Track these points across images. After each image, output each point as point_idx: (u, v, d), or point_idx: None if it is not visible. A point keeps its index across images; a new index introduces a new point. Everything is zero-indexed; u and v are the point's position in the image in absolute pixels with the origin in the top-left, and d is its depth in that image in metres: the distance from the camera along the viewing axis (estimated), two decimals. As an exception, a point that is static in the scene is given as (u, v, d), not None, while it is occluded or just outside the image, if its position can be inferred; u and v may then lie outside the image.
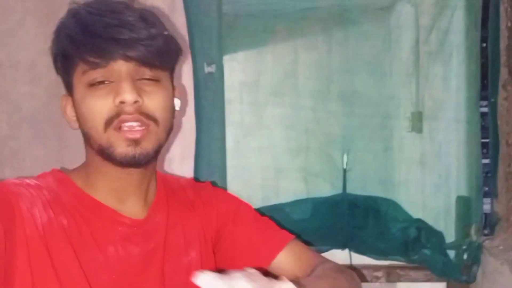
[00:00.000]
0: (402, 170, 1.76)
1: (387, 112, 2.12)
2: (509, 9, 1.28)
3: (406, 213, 1.30)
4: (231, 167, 1.42)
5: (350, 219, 1.25)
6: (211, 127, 1.34)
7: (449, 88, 1.44)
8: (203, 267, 0.68)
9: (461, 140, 1.37)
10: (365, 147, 1.58)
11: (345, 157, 1.41)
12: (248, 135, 2.35)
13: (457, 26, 1.34)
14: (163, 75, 0.66)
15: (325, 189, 1.31)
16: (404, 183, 1.44)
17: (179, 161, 1.41)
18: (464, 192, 1.34)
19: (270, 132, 2.46)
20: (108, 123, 0.62)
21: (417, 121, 1.80)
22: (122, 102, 0.62)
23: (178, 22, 1.37)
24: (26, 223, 0.60)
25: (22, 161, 1.45)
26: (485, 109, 1.32)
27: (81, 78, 0.63)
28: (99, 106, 0.62)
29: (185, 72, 1.39)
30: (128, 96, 0.61)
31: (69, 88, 0.67)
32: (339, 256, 1.27)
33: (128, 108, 0.62)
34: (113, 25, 0.60)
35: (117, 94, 0.61)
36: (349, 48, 2.54)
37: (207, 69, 1.33)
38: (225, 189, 1.30)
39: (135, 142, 0.62)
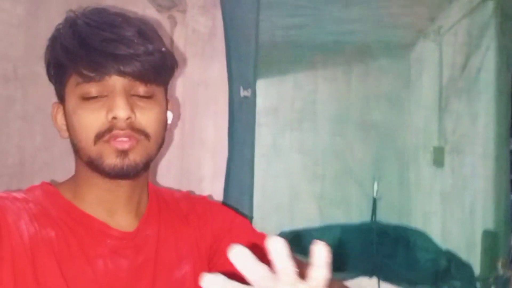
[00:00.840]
0: (426, 202, 1.77)
1: (407, 145, 2.16)
2: (539, 52, 1.33)
3: (435, 244, 1.31)
4: (258, 189, 1.44)
5: (379, 247, 1.26)
6: (242, 149, 1.37)
7: (477, 124, 1.48)
8: (197, 281, 0.66)
9: (489, 175, 1.39)
10: (393, 178, 1.61)
11: (375, 185, 1.43)
12: (276, 159, 2.38)
13: (489, 65, 1.38)
14: (158, 90, 0.66)
15: (355, 216, 1.32)
16: (430, 215, 1.45)
17: (210, 180, 1.43)
18: (491, 226, 1.35)
19: (300, 156, 2.50)
20: (99, 136, 0.62)
21: (439, 156, 1.83)
22: (114, 118, 0.61)
23: (218, 46, 1.42)
24: (12, 236, 0.59)
25: (53, 174, 1.47)
26: (515, 147, 1.35)
27: (74, 90, 0.62)
28: (91, 119, 0.62)
29: (222, 95, 1.43)
30: (122, 112, 0.61)
31: (60, 97, 0.66)
32: (366, 283, 1.27)
33: (121, 123, 0.61)
34: (110, 40, 0.60)
35: (110, 110, 0.61)
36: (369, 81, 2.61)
37: (243, 93, 1.37)
38: (251, 210, 1.32)
39: (124, 153, 0.62)
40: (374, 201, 1.31)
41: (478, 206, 1.39)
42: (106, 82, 0.61)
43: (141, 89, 0.63)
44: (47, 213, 0.63)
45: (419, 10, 2.25)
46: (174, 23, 1.38)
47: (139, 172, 0.65)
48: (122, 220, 0.67)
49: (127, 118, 0.61)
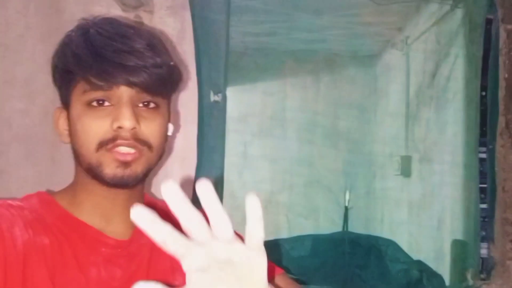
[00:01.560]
0: (395, 212, 1.77)
1: (376, 154, 2.17)
2: (507, 62, 1.35)
3: (406, 255, 1.29)
4: (227, 199, 1.40)
5: (351, 258, 1.23)
6: (212, 156, 1.31)
7: (446, 132, 1.48)
8: None
9: (458, 184, 1.39)
10: (362, 187, 1.60)
11: (347, 194, 1.41)
12: (246, 167, 2.34)
13: (457, 73, 1.39)
14: (162, 102, 0.67)
15: (323, 226, 1.29)
16: (399, 225, 1.44)
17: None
18: (460, 236, 1.35)
19: (269, 165, 2.47)
20: (102, 144, 0.62)
21: (406, 165, 1.83)
22: (120, 127, 0.62)
23: (187, 49, 1.37)
24: (5, 243, 0.58)
25: (8, 182, 1.37)
26: (484, 155, 1.36)
27: (80, 96, 0.63)
28: (96, 127, 0.62)
29: (187, 99, 1.37)
30: (127, 122, 0.61)
31: (65, 102, 0.66)
32: (338, 295, 1.24)
33: (125, 133, 0.62)
34: (121, 51, 0.61)
35: (116, 119, 0.62)
36: (337, 90, 2.62)
37: (214, 98, 1.31)
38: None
39: (125, 164, 0.63)
40: (346, 210, 1.29)
41: (447, 215, 1.39)
42: (113, 92, 0.62)
43: (147, 100, 0.64)
44: (42, 220, 0.63)
45: (387, 20, 2.28)
46: (140, 24, 1.32)
47: (138, 182, 0.65)
48: (118, 228, 0.67)
49: (132, 128, 0.62)
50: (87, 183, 0.65)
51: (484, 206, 1.34)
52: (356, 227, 1.58)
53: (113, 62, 0.60)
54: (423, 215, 1.46)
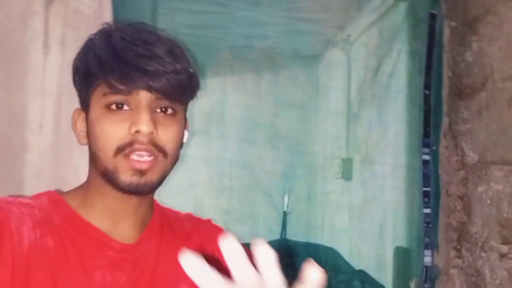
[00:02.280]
0: (335, 218, 1.69)
1: (316, 156, 2.08)
2: (451, 60, 1.30)
3: (347, 264, 1.19)
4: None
5: (289, 268, 1.11)
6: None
7: (388, 133, 1.41)
8: None
9: (401, 187, 1.32)
10: (302, 191, 1.49)
11: (286, 198, 1.30)
12: (180, 169, 2.16)
13: (400, 70, 1.32)
14: (180, 109, 0.68)
15: (263, 232, 1.17)
16: (340, 231, 1.35)
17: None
18: (403, 243, 1.27)
19: (206, 167, 2.32)
20: (120, 149, 0.63)
21: (347, 167, 1.76)
22: (137, 132, 0.63)
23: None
24: (14, 241, 0.61)
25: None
26: (427, 157, 1.29)
27: (100, 99, 0.65)
28: (114, 131, 0.64)
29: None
30: (145, 127, 0.63)
31: (84, 104, 0.68)
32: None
33: (142, 138, 0.63)
34: (143, 56, 0.63)
35: (134, 123, 0.63)
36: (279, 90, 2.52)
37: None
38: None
39: (141, 172, 0.64)
40: (284, 216, 1.18)
41: (389, 221, 1.31)
42: (133, 96, 0.64)
43: (165, 106, 0.66)
44: (50, 220, 0.65)
45: (328, 17, 2.22)
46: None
47: (153, 190, 0.67)
48: (125, 231, 0.69)
49: (149, 133, 0.63)
50: (100, 186, 0.67)
51: (427, 211, 1.27)
52: (296, 233, 1.48)
53: (134, 66, 0.63)
54: (365, 221, 1.37)
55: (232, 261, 0.41)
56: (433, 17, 1.31)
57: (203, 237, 0.76)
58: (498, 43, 1.17)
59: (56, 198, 0.68)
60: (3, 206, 0.63)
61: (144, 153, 0.63)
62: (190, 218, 0.79)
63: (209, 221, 0.81)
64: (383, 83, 1.39)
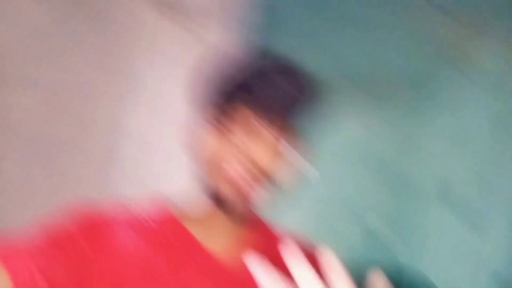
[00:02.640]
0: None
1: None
2: None
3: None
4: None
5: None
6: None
7: None
8: None
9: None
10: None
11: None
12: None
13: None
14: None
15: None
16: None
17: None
18: (505, 269, 1.15)
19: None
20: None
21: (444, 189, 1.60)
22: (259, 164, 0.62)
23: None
24: (112, 253, 0.58)
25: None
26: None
27: (240, 118, 0.63)
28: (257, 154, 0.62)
29: None
30: (268, 163, 0.62)
31: (217, 120, 0.66)
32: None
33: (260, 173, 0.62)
34: (293, 89, 0.61)
35: (258, 156, 0.62)
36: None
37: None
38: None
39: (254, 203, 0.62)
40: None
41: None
42: (255, 123, 0.63)
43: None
44: (157, 231, 0.63)
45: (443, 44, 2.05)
46: None
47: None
48: (232, 253, 0.65)
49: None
50: (213, 209, 0.64)
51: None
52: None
53: (285, 104, 0.61)
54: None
55: (296, 270, 0.42)
56: None
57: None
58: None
59: (172, 217, 0.65)
60: (106, 221, 0.61)
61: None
62: (281, 234, 0.73)
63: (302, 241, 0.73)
64: None
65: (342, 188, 1.74)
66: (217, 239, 0.64)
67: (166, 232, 0.63)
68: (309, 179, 0.68)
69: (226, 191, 0.60)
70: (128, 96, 1.17)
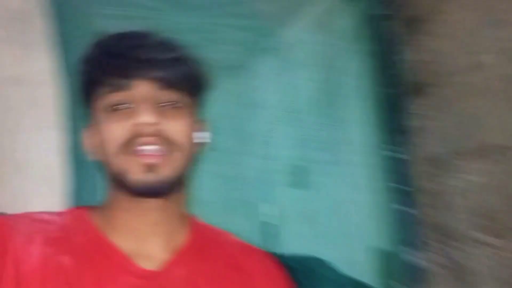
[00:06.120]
0: (305, 224, 1.62)
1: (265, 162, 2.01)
2: (401, 57, 1.31)
3: (337, 272, 1.13)
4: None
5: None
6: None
7: (349, 132, 1.40)
8: None
9: (369, 185, 1.30)
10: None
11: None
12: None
13: (354, 70, 1.33)
14: (186, 102, 0.65)
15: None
16: (315, 237, 1.30)
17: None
18: (380, 244, 1.25)
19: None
20: (125, 146, 0.60)
21: (304, 174, 1.71)
22: (140, 124, 0.60)
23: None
24: (19, 259, 0.57)
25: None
26: (394, 154, 1.29)
27: (101, 103, 0.62)
28: (116, 129, 0.60)
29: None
30: (147, 117, 0.60)
31: (90, 117, 0.66)
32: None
33: (147, 130, 0.60)
34: (136, 46, 0.61)
35: (136, 116, 0.60)
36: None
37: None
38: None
39: (152, 167, 0.60)
40: (269, 227, 1.09)
41: (364, 223, 1.28)
42: (133, 92, 0.61)
43: (171, 100, 0.63)
44: (70, 238, 0.62)
45: (259, 24, 2.18)
46: None
47: (168, 191, 0.62)
48: (153, 253, 0.63)
49: (153, 124, 0.60)
50: (117, 199, 0.63)
51: (402, 208, 1.26)
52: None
53: (129, 57, 0.60)
54: (338, 225, 1.33)
55: None
56: (383, 17, 1.33)
57: (267, 276, 0.69)
58: (449, 40, 1.20)
59: (81, 215, 0.65)
60: (9, 223, 0.60)
61: (152, 147, 0.59)
62: (247, 247, 0.72)
63: (271, 256, 0.74)
64: (339, 83, 1.38)
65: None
66: (135, 236, 0.63)
67: (79, 237, 0.62)
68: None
69: (128, 167, 0.59)
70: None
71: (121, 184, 0.62)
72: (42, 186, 1.05)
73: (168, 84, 0.62)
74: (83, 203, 0.93)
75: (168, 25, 2.05)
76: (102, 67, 0.61)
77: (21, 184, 1.04)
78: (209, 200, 1.15)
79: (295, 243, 1.46)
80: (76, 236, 0.62)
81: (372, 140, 1.32)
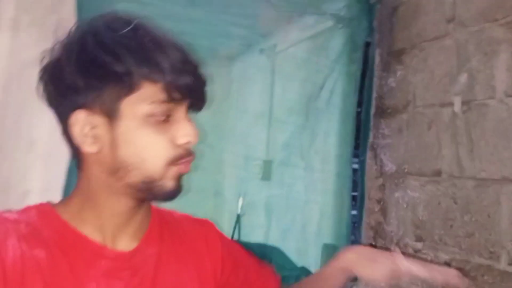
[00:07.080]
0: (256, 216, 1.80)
1: (238, 158, 2.17)
2: (378, 83, 1.49)
3: (290, 261, 1.32)
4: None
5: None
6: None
7: (323, 142, 1.57)
8: None
9: (331, 190, 1.49)
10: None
11: (240, 201, 1.37)
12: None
13: (338, 89, 1.49)
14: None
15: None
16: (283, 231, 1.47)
17: (39, 195, 1.15)
18: (332, 241, 1.44)
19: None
20: (173, 160, 0.62)
21: (267, 169, 1.89)
22: (189, 143, 0.63)
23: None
24: (1, 257, 0.58)
25: None
26: (356, 166, 1.48)
27: (140, 106, 0.60)
28: (163, 142, 0.62)
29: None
30: (195, 138, 0.63)
31: (106, 109, 0.61)
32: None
33: (190, 147, 0.63)
34: (192, 64, 0.62)
35: (185, 134, 0.62)
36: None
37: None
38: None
39: (181, 177, 0.64)
40: (238, 218, 1.25)
41: (321, 222, 1.47)
42: (179, 106, 0.62)
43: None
44: (38, 234, 0.62)
45: (254, 24, 2.30)
46: None
47: None
48: (123, 240, 0.66)
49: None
50: (102, 195, 0.64)
51: (354, 212, 1.46)
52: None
53: (191, 75, 0.60)
54: (297, 221, 1.52)
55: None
56: (367, 45, 1.49)
57: (209, 242, 0.75)
58: (421, 74, 1.37)
59: (45, 210, 0.65)
60: None
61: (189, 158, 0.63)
62: (188, 219, 0.77)
63: (208, 222, 0.79)
64: (324, 99, 1.54)
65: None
66: (110, 229, 0.65)
67: (47, 231, 0.62)
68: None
69: (167, 175, 0.62)
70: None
71: (146, 188, 0.62)
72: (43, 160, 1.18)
73: (200, 109, 0.65)
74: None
75: (171, 16, 2.14)
76: (171, 76, 0.59)
77: (25, 159, 1.15)
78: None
79: (258, 232, 1.65)
80: (46, 231, 0.62)
81: (339, 151, 1.50)
